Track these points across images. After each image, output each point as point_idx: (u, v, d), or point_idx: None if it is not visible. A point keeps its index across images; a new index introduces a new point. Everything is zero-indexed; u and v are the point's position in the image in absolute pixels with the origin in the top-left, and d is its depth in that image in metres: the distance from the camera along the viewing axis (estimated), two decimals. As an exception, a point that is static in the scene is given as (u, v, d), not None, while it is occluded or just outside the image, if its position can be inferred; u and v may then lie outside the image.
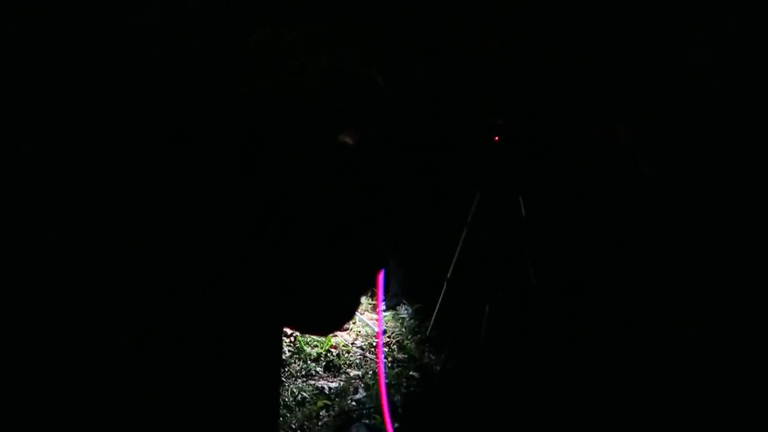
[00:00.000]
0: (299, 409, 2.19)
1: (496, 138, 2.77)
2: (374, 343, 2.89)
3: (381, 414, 2.07)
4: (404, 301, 3.28)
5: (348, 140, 2.36)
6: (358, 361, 2.68)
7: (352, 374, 2.53)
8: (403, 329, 3.06)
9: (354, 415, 2.20)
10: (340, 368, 2.58)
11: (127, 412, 0.77)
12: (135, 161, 0.80)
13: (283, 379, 2.43)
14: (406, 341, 2.90)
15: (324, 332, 2.50)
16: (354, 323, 3.15)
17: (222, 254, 0.81)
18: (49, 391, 0.72)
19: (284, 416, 2.11)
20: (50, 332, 0.72)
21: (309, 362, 2.60)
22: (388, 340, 2.94)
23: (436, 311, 2.85)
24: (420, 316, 3.14)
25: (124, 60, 0.77)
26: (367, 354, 2.77)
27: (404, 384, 2.40)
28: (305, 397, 2.29)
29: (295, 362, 2.59)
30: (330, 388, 2.38)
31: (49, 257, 0.73)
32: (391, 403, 2.21)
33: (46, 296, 0.73)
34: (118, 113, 0.78)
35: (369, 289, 2.33)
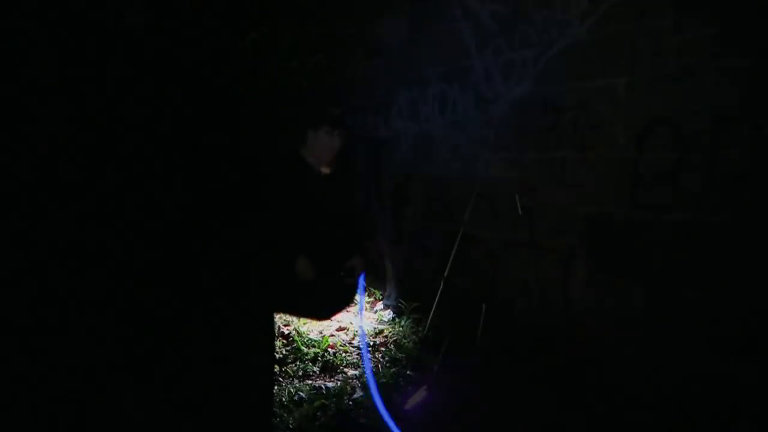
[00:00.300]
0: (297, 409, 2.18)
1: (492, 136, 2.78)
2: (371, 343, 2.89)
3: (378, 414, 2.06)
4: (401, 300, 3.28)
5: (326, 171, 2.32)
6: (355, 361, 2.67)
7: (349, 374, 2.52)
8: (400, 328, 3.05)
9: (352, 415, 2.18)
10: (338, 368, 2.57)
11: (124, 406, 0.77)
12: (132, 161, 0.79)
13: (281, 379, 2.42)
14: (403, 340, 2.90)
15: (323, 318, 2.48)
16: (351, 323, 3.15)
17: (224, 251, 0.81)
18: (52, 384, 0.72)
19: (282, 416, 2.09)
20: (51, 331, 0.71)
21: (306, 362, 2.59)
22: (386, 339, 2.93)
23: (433, 310, 2.84)
24: (417, 315, 3.13)
25: (118, 60, 0.76)
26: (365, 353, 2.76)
27: (402, 383, 2.39)
28: (303, 397, 2.27)
29: (292, 363, 2.58)
30: (327, 388, 2.37)
31: (51, 255, 0.72)
32: (388, 402, 2.19)
33: (46, 297, 0.72)
34: (114, 113, 0.78)
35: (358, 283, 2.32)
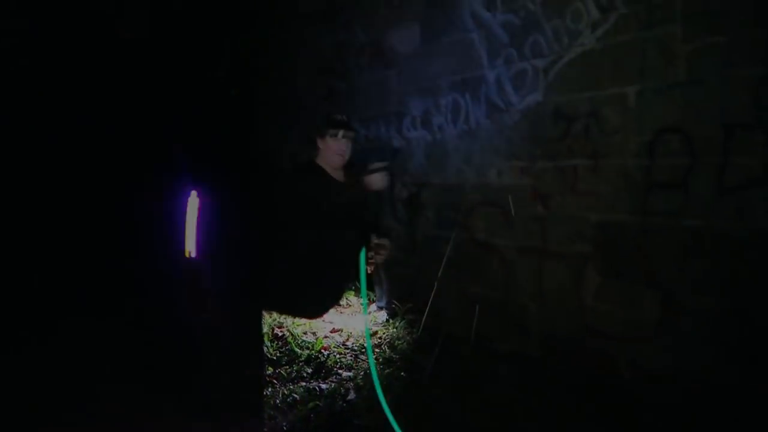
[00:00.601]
0: (290, 411, 2.15)
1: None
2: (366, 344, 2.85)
3: (373, 414, 2.01)
4: (395, 302, 3.24)
5: (341, 178, 2.33)
6: (349, 363, 2.62)
7: (343, 375, 2.48)
8: (394, 329, 3.01)
9: (346, 416, 2.12)
10: (332, 370, 2.53)
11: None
12: (131, 164, 0.81)
13: (275, 381, 2.40)
14: (396, 341, 2.86)
15: (311, 317, 2.46)
16: (345, 325, 3.11)
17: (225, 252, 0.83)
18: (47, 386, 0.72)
19: (275, 418, 2.06)
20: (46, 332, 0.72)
21: (300, 364, 2.56)
22: (380, 341, 2.88)
23: (427, 311, 2.80)
24: (411, 316, 3.11)
25: (113, 67, 0.78)
26: (359, 355, 2.71)
27: (395, 384, 2.32)
28: (296, 399, 2.24)
29: (286, 365, 2.56)
30: (321, 390, 2.32)
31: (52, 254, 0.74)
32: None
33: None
34: (112, 117, 0.80)
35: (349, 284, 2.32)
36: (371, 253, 2.20)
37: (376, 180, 2.06)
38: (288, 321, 3.04)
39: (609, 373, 2.27)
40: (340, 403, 2.21)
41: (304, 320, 3.05)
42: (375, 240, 2.20)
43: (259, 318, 2.09)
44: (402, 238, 3.42)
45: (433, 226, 3.22)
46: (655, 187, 2.18)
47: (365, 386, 2.30)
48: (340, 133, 2.24)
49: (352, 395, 2.27)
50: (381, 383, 2.12)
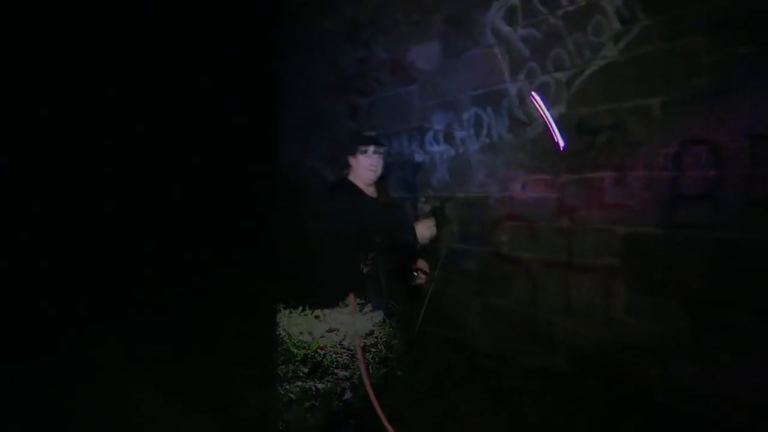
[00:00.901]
0: (286, 411, 2.08)
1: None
2: (362, 344, 2.76)
3: (370, 414, 1.93)
4: (392, 301, 3.15)
5: (374, 193, 2.43)
6: (346, 362, 2.53)
7: (340, 375, 2.42)
8: (390, 329, 2.90)
9: (342, 416, 2.04)
10: (328, 369, 2.46)
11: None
12: (142, 164, 0.85)
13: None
14: (393, 341, 2.76)
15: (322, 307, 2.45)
16: (342, 324, 3.02)
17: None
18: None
19: (271, 418, 2.00)
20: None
21: (296, 364, 2.50)
22: (376, 340, 2.78)
23: (423, 310, 2.72)
24: (407, 315, 3.03)
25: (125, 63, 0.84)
26: (356, 355, 2.61)
27: (392, 384, 2.22)
28: (292, 398, 2.17)
29: (282, 364, 2.50)
30: (317, 389, 2.25)
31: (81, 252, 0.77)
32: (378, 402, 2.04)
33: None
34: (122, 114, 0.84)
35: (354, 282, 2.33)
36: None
37: (424, 232, 2.15)
38: (284, 320, 2.99)
39: (639, 387, 2.15)
40: (337, 402, 2.16)
41: (300, 320, 3.00)
42: (417, 264, 2.29)
43: (275, 317, 2.12)
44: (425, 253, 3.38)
45: (457, 240, 3.18)
46: (683, 199, 2.11)
47: (361, 386, 2.26)
48: (371, 149, 2.32)
49: (348, 395, 2.23)
50: (377, 383, 2.04)
